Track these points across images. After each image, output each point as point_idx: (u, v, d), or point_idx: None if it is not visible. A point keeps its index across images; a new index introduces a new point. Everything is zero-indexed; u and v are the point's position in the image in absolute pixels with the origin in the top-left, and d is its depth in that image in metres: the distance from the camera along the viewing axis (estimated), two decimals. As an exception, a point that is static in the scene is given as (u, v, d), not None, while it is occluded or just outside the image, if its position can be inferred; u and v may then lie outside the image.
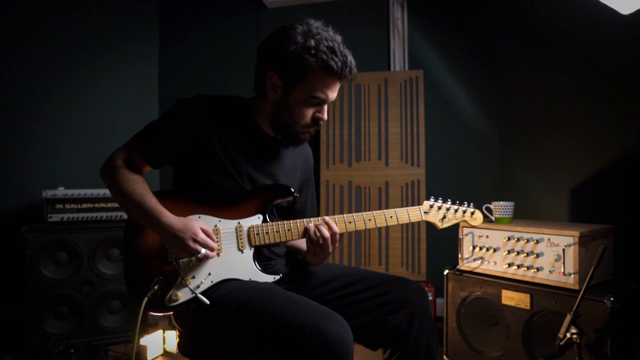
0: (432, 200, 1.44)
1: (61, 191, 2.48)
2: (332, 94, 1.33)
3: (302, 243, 1.48)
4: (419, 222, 2.82)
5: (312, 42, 1.25)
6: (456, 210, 1.46)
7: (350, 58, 1.30)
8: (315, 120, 1.34)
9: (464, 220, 1.48)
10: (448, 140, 3.04)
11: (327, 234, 1.31)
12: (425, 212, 1.43)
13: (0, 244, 2.84)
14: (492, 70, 2.97)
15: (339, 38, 1.31)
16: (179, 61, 3.41)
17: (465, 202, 1.49)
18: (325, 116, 1.35)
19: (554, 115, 2.62)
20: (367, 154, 2.96)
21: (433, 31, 3.09)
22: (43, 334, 2.31)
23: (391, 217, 1.38)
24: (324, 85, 1.29)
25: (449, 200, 1.47)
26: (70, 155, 3.00)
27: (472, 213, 1.48)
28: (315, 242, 1.32)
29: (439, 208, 1.44)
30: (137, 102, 3.27)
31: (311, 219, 1.36)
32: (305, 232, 1.33)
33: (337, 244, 1.34)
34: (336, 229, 1.32)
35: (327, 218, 1.34)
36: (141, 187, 1.31)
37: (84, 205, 2.50)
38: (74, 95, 3.04)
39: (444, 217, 1.44)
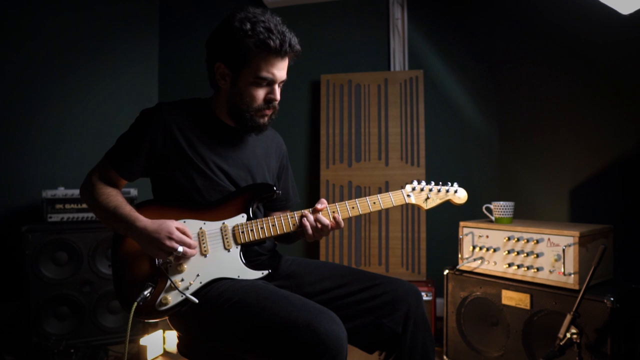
0: (414, 182, 1.44)
1: (61, 191, 2.48)
2: (280, 73, 1.34)
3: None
4: (418, 222, 2.83)
5: (248, 25, 1.28)
6: (439, 190, 1.45)
7: (289, 35, 1.31)
8: (268, 101, 1.36)
9: (449, 199, 1.46)
10: (448, 140, 3.04)
11: (327, 221, 1.34)
12: (408, 195, 1.42)
13: (0, 244, 2.84)
14: (492, 71, 2.97)
15: (276, 19, 1.33)
16: (179, 61, 3.41)
17: (449, 182, 1.48)
18: (278, 96, 1.37)
19: (554, 115, 2.62)
20: (367, 154, 2.96)
21: (433, 31, 3.09)
22: (43, 334, 2.31)
23: (374, 202, 1.39)
24: (268, 64, 1.31)
25: (432, 182, 1.47)
26: (70, 155, 3.00)
27: (456, 191, 1.47)
28: (316, 229, 1.34)
29: (422, 190, 1.44)
30: (137, 102, 3.26)
31: (299, 211, 1.37)
32: (302, 226, 1.34)
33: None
34: (327, 222, 1.35)
35: (320, 216, 1.35)
36: (115, 199, 1.34)
37: (84, 205, 2.49)
38: (74, 96, 3.04)
39: (428, 197, 1.44)
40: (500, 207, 2.12)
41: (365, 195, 2.92)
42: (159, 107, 1.39)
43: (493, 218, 2.18)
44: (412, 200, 1.43)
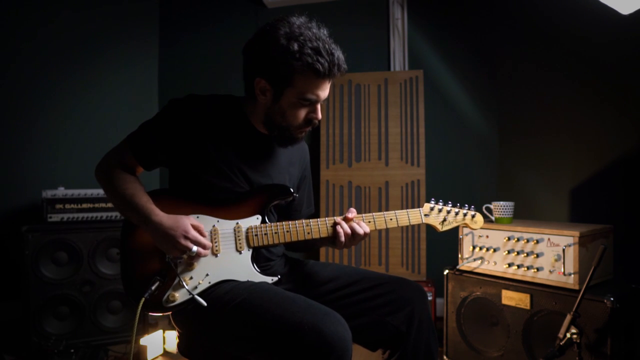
0: (432, 202, 1.42)
1: (61, 191, 2.48)
2: (323, 93, 1.29)
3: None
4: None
5: (296, 46, 1.21)
6: (457, 213, 1.43)
7: (337, 54, 1.25)
8: (309, 120, 1.33)
9: (465, 224, 1.45)
10: (448, 140, 3.04)
11: (361, 230, 1.32)
12: (425, 215, 1.41)
13: (0, 244, 2.84)
14: (492, 70, 2.97)
15: (323, 34, 1.26)
16: (179, 61, 3.41)
17: (466, 205, 1.47)
18: (320, 115, 1.33)
19: (554, 115, 2.62)
20: (367, 154, 2.96)
21: (433, 31, 3.09)
22: (43, 334, 2.31)
23: (391, 219, 1.37)
24: (313, 86, 1.26)
25: (450, 202, 1.45)
26: (70, 155, 3.00)
27: (473, 216, 1.45)
28: (349, 237, 1.32)
29: (440, 211, 1.42)
30: (136, 102, 3.27)
31: (314, 219, 1.35)
32: (335, 233, 1.32)
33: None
34: (361, 231, 1.32)
35: (354, 224, 1.33)
36: (133, 187, 1.31)
37: (84, 205, 2.50)
38: (74, 95, 3.05)
39: (445, 220, 1.42)
40: (500, 207, 2.11)
41: (365, 196, 2.93)
42: (189, 100, 1.34)
43: (493, 218, 2.18)
44: (429, 220, 1.41)
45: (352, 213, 1.34)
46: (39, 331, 2.31)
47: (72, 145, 3.01)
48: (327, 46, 1.24)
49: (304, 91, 1.26)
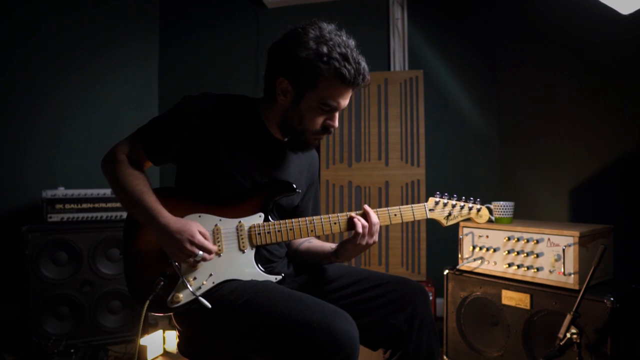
0: (437, 197, 1.40)
1: (61, 191, 2.48)
2: (344, 102, 1.29)
3: (324, 246, 1.46)
4: (418, 222, 2.83)
5: (325, 49, 1.22)
6: (462, 207, 1.41)
7: (363, 64, 1.27)
8: (326, 127, 1.32)
9: (470, 218, 1.43)
10: (448, 140, 3.04)
11: (375, 219, 1.31)
12: (430, 210, 1.39)
13: (0, 244, 2.84)
14: (492, 70, 2.97)
15: (352, 43, 1.28)
16: (179, 61, 3.41)
17: (472, 198, 1.44)
18: (336, 123, 1.32)
19: (554, 115, 2.62)
20: (367, 154, 2.96)
21: (433, 31, 3.09)
22: (43, 334, 2.31)
23: (395, 214, 1.35)
24: (336, 93, 1.26)
25: (455, 195, 1.42)
26: (70, 155, 3.00)
27: (479, 210, 1.43)
28: (363, 228, 1.30)
29: (445, 205, 1.40)
30: (137, 102, 3.27)
31: (317, 217, 1.35)
32: (350, 223, 1.32)
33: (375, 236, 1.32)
34: (376, 220, 1.31)
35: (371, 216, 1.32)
36: (141, 184, 1.30)
37: (84, 205, 2.50)
38: (74, 95, 3.05)
39: (450, 214, 1.40)
40: (500, 207, 2.11)
41: (365, 196, 2.93)
42: (203, 98, 1.32)
43: (493, 218, 2.17)
44: (434, 215, 1.39)
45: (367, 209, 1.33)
46: (39, 331, 2.31)
47: (72, 145, 3.02)
48: (354, 54, 1.26)
49: (325, 96, 1.26)
